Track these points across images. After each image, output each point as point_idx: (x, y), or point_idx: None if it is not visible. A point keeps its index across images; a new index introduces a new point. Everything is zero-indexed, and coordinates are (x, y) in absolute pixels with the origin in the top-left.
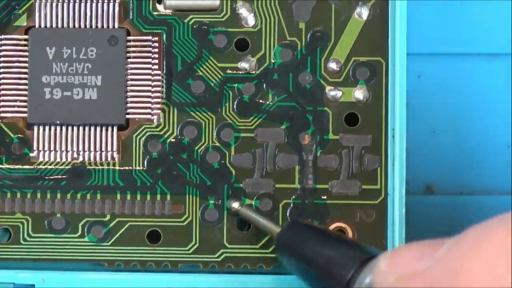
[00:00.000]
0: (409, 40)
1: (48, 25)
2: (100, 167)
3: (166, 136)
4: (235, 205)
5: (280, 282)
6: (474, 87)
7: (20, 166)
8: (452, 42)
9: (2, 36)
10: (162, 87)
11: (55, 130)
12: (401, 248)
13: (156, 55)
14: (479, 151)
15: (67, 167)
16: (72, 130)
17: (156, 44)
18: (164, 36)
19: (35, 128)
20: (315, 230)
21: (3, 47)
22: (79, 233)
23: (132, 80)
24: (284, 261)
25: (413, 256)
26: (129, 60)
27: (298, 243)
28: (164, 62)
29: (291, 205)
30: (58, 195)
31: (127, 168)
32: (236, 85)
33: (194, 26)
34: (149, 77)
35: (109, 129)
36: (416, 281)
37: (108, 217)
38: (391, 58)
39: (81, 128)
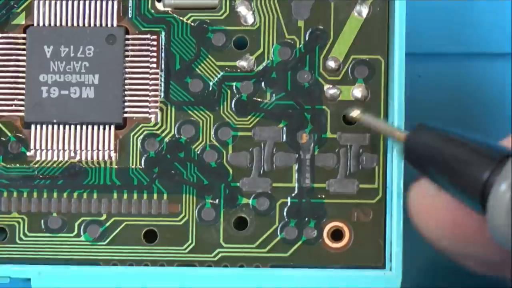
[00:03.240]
0: (409, 40)
1: (47, 23)
2: (97, 166)
3: (163, 135)
4: (354, 113)
5: (277, 282)
6: (474, 87)
7: (17, 165)
8: (452, 42)
9: (0, 35)
10: (160, 85)
11: (52, 129)
12: None
13: (155, 54)
14: None
15: (64, 166)
16: (69, 129)
17: (155, 43)
18: (163, 35)
19: (32, 127)
20: (443, 133)
21: (1, 46)
22: (75, 232)
23: (130, 78)
24: (414, 165)
25: None
26: (127, 58)
27: (429, 146)
28: (162, 61)
29: (288, 204)
30: (55, 194)
31: (124, 167)
32: (234, 83)
33: (193, 25)
34: (147, 75)
35: (107, 128)
36: None
37: (104, 216)
38: (391, 56)
39: (78, 127)
